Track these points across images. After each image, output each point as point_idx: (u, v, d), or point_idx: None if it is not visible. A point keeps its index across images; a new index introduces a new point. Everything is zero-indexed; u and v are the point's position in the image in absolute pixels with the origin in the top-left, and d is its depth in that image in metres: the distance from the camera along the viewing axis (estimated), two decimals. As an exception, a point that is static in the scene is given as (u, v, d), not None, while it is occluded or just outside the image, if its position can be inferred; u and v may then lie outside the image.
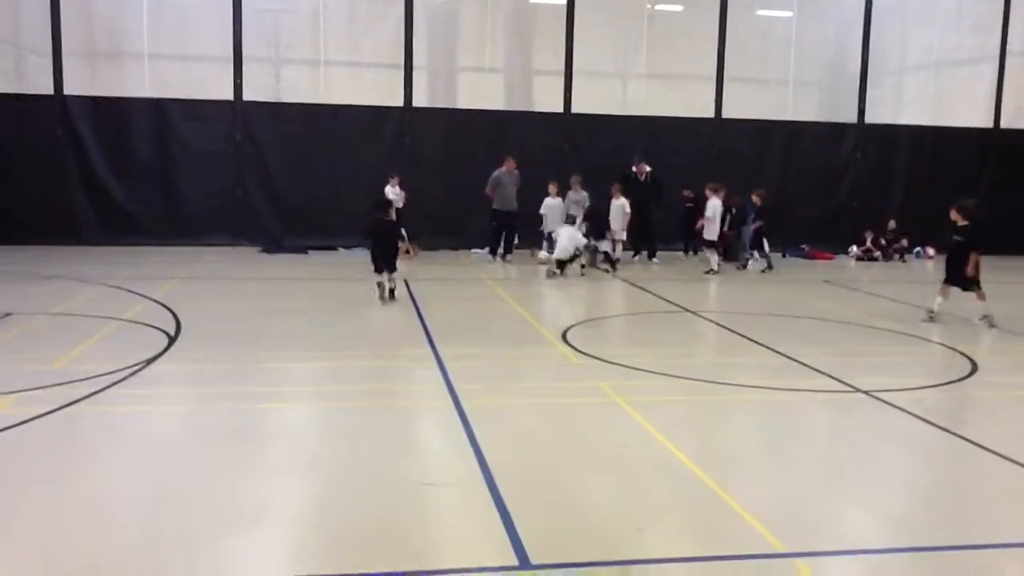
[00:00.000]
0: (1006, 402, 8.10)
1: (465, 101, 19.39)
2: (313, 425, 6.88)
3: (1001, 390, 8.46)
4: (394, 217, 12.90)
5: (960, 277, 11.17)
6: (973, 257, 11.01)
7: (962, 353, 9.70)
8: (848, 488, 5.81)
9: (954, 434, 6.83)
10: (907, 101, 21.35)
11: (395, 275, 11.93)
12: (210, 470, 5.73)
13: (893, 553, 4.85)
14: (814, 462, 6.32)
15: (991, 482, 6.04)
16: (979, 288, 11.23)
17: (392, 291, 11.82)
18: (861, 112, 20.36)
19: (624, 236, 16.79)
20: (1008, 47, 20.70)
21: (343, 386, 7.86)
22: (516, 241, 17.63)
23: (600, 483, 5.68)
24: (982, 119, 20.92)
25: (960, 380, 8.62)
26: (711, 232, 16.12)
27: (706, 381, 8.25)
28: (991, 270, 12.44)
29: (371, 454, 6.08)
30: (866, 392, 7.93)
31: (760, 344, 10.00)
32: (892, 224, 19.41)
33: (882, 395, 7.82)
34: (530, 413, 7.15)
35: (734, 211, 18.21)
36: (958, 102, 21.25)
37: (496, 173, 17.06)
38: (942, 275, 11.73)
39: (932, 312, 11.35)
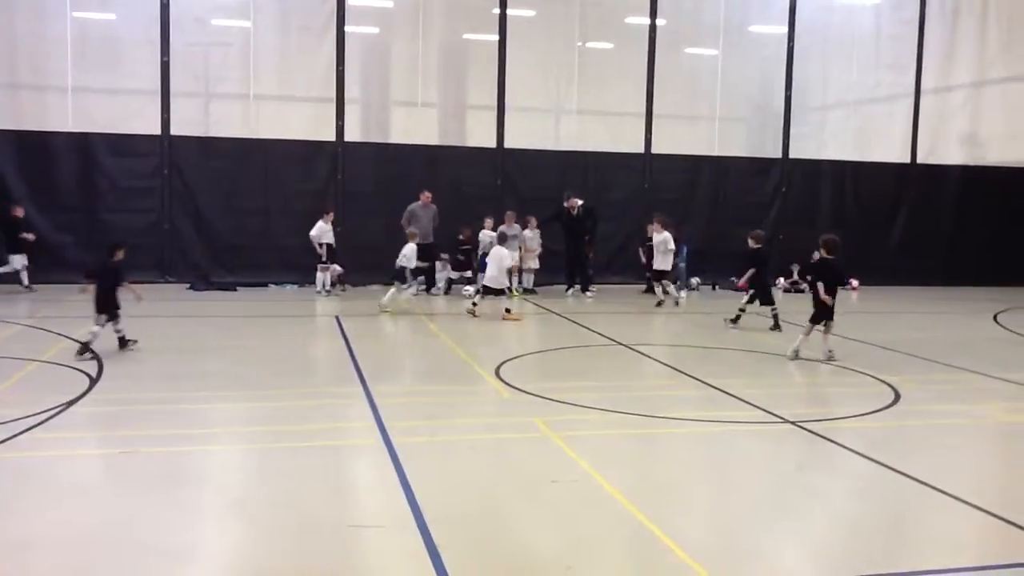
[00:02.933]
0: (928, 430, 8.30)
1: (398, 135, 19.36)
2: (238, 467, 6.71)
3: (924, 418, 8.67)
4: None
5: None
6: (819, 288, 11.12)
7: (885, 382, 9.94)
8: (777, 519, 5.88)
9: (879, 463, 6.97)
10: (829, 137, 21.97)
11: (119, 323, 10.68)
12: (131, 515, 5.54)
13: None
14: (744, 494, 6.38)
15: (916, 510, 6.17)
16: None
17: (123, 340, 10.65)
18: (786, 147, 20.91)
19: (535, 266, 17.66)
20: (922, 85, 21.52)
21: (270, 426, 7.70)
22: (449, 276, 17.64)
23: (532, 521, 5.64)
24: (899, 154, 21.65)
25: (884, 409, 8.82)
26: (663, 263, 16.22)
27: (638, 415, 8.30)
28: (917, 300, 12.80)
29: (296, 496, 5.95)
30: (793, 423, 8.06)
31: (691, 376, 10.11)
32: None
33: (809, 425, 7.96)
34: (462, 451, 7.09)
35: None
36: (877, 138, 21.96)
37: (411, 206, 17.11)
38: (869, 305, 12.06)
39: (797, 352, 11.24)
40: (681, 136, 20.61)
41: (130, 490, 6.03)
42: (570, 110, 20.17)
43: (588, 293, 17.64)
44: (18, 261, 16.18)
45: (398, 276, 14.79)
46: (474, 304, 14.49)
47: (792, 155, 20.94)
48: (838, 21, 21.35)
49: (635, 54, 20.00)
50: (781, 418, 8.21)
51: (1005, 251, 21.41)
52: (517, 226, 17.58)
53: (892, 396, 9.33)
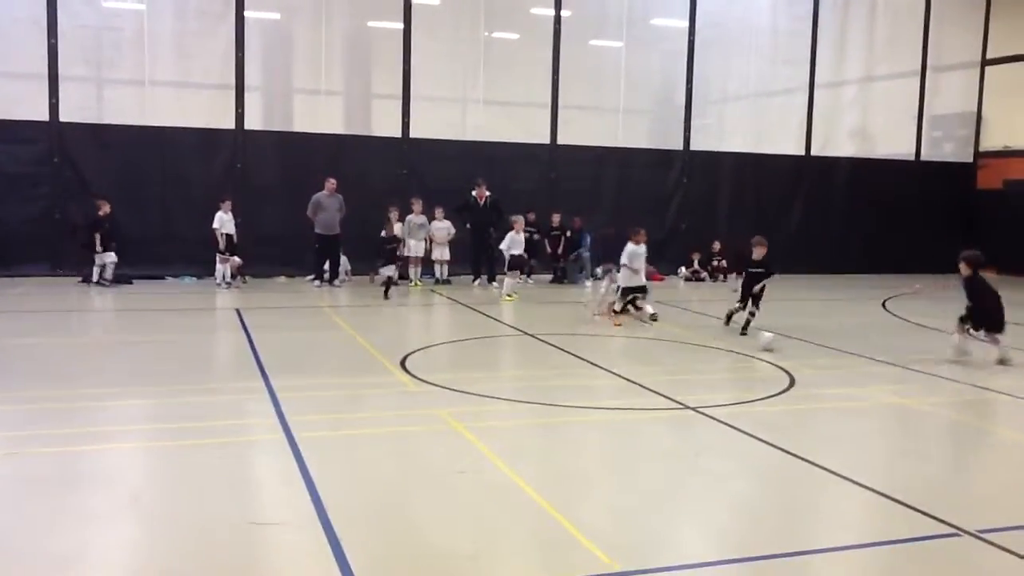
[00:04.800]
0: (821, 413, 8.62)
1: (301, 124, 19.03)
2: (133, 466, 6.49)
3: (817, 402, 9.00)
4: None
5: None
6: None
7: (781, 368, 10.27)
8: (678, 503, 6.02)
9: (775, 446, 7.20)
10: (729, 129, 22.57)
11: None
12: (20, 518, 5.31)
13: (723, 565, 5.03)
14: (646, 480, 6.50)
15: (809, 491, 6.40)
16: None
17: None
18: (687, 139, 21.36)
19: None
20: (816, 79, 22.29)
21: (168, 424, 7.48)
22: (348, 266, 17.50)
23: (438, 513, 5.63)
24: (795, 147, 22.39)
25: (780, 393, 9.12)
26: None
27: (544, 404, 8.37)
28: (811, 288, 13.26)
29: (195, 494, 5.79)
30: (694, 408, 8.26)
31: (596, 365, 10.25)
32: (717, 246, 20.43)
33: (709, 411, 8.17)
34: (367, 444, 7.03)
35: (568, 234, 18.76)
36: (774, 130, 22.65)
37: (316, 196, 16.89)
38: (766, 293, 12.51)
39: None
40: (586, 127, 20.83)
41: (17, 493, 5.77)
42: (476, 100, 20.16)
43: (494, 284, 17.70)
44: None
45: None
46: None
47: (693, 147, 21.41)
48: (737, 16, 21.87)
49: (541, 45, 20.11)
50: (683, 404, 8.40)
51: (892, 241, 22.38)
52: (423, 216, 17.53)
53: (788, 381, 9.65)
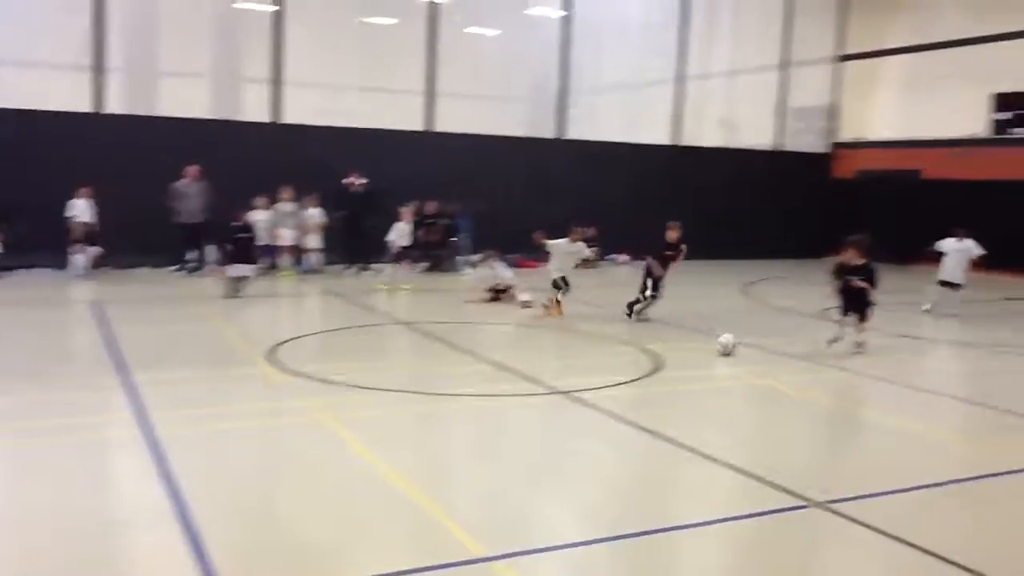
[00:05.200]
0: (687, 394, 8.92)
1: (166, 108, 18.26)
2: (-22, 469, 6.12)
3: (683, 383, 9.30)
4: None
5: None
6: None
7: (649, 350, 10.55)
8: (547, 486, 6.11)
9: (641, 427, 7.40)
10: (602, 118, 22.94)
11: None
12: None
13: (591, 545, 5.15)
14: (516, 464, 6.57)
15: (675, 469, 6.62)
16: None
17: None
18: (562, 128, 21.62)
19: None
20: (686, 71, 22.93)
21: (22, 422, 7.08)
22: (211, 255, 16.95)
23: (305, 505, 5.54)
24: (665, 136, 22.99)
25: (647, 376, 9.37)
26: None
27: (415, 392, 8.34)
28: (680, 274, 13.63)
29: (50, 493, 5.51)
30: (564, 393, 8.39)
31: (469, 352, 10.28)
32: (590, 232, 20.75)
33: (578, 394, 8.32)
34: (231, 438, 6.84)
35: (451, 221, 18.71)
36: (646, 120, 23.19)
37: (177, 184, 16.32)
38: (636, 279, 12.83)
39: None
40: (463, 115, 20.77)
41: None
42: (351, 86, 19.79)
43: (369, 272, 17.49)
44: None
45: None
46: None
47: (568, 136, 21.68)
48: (611, 6, 22.22)
49: (417, 31, 19.94)
50: (554, 389, 8.52)
51: (756, 227, 23.28)
52: (294, 204, 17.12)
53: (655, 363, 9.92)
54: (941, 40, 23.06)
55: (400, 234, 15.99)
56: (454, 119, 20.39)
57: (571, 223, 13.75)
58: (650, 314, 12.90)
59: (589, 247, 20.88)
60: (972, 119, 22.49)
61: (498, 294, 14.10)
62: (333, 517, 5.37)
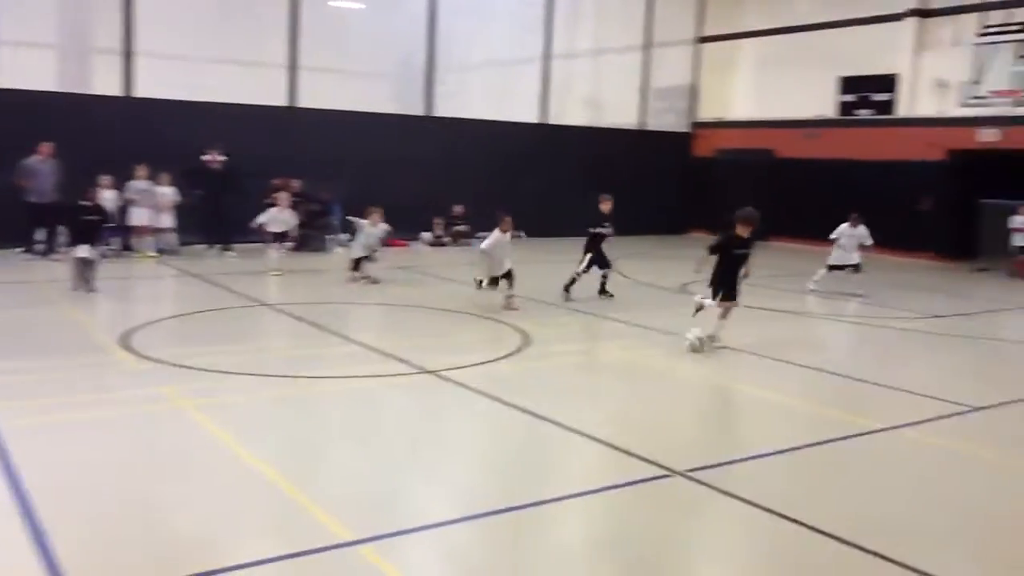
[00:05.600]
0: (554, 370, 9.03)
1: (5, 80, 17.05)
2: None
3: (550, 359, 9.42)
4: None
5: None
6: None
7: (518, 328, 10.63)
8: (416, 467, 6.06)
9: (509, 404, 7.44)
10: (471, 96, 22.87)
11: None
12: None
13: (459, 523, 5.14)
14: (383, 446, 6.49)
15: (541, 444, 6.69)
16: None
17: None
18: (430, 105, 21.44)
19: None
20: (552, 50, 23.12)
21: None
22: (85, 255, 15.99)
23: (165, 498, 5.30)
24: (533, 114, 23.15)
25: (516, 352, 9.44)
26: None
27: (279, 376, 8.13)
28: (548, 251, 13.79)
29: None
30: (433, 372, 8.35)
31: (336, 334, 10.09)
32: (459, 210, 20.77)
33: (447, 373, 8.29)
34: (82, 429, 6.47)
35: (321, 205, 18.28)
36: (515, 98, 23.27)
37: (27, 161, 15.35)
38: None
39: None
40: (328, 90, 20.28)
41: None
42: (209, 58, 18.99)
43: (230, 252, 16.92)
44: None
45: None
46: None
47: (436, 113, 21.52)
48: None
49: (278, 3, 19.29)
50: (422, 369, 8.47)
51: (621, 205, 23.74)
52: (148, 182, 16.34)
53: (525, 340, 10.00)
54: (792, 25, 24.10)
55: (273, 219, 14.97)
56: (319, 95, 19.88)
57: (500, 212, 12.60)
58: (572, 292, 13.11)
59: (457, 225, 20.96)
60: (821, 101, 23.63)
61: (359, 262, 13.80)
62: (194, 508, 5.17)
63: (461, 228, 20.84)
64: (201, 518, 5.05)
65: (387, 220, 14.44)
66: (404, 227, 19.89)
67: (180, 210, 16.69)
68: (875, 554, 4.84)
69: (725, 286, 9.93)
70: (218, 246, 17.11)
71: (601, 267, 13.31)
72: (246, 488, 5.49)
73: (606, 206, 13.64)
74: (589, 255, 13.20)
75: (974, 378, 9.67)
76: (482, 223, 21.02)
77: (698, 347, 9.76)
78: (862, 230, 14.50)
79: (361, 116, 20.31)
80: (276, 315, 11.34)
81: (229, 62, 18.97)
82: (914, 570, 4.67)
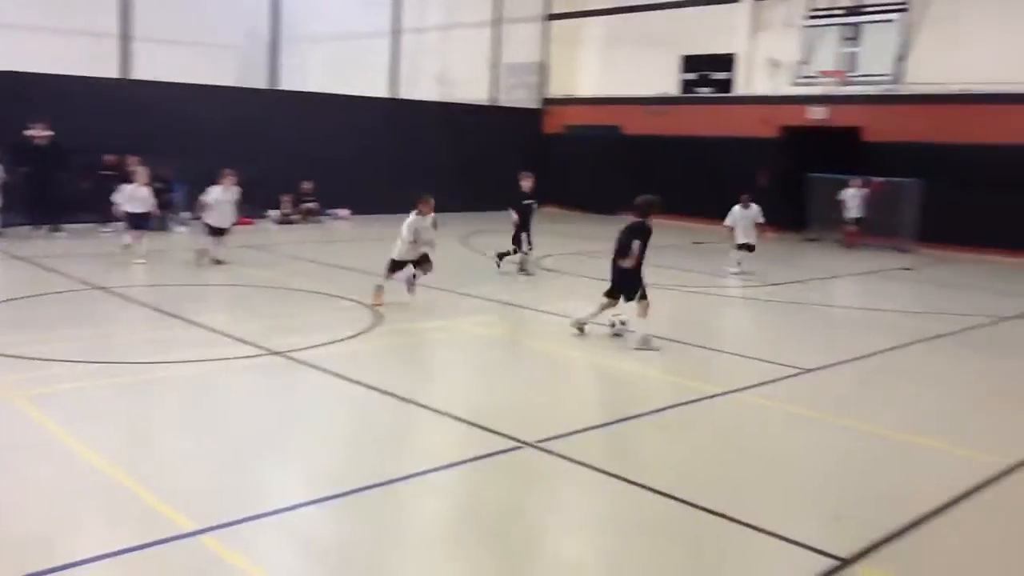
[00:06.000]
0: (405, 347, 9.00)
1: None
2: None
3: (402, 336, 9.37)
4: None
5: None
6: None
7: (369, 306, 10.51)
8: (263, 451, 5.91)
9: (360, 382, 7.36)
10: (319, 69, 22.32)
11: None
12: None
13: (308, 506, 5.05)
14: (228, 431, 6.30)
15: (393, 422, 6.66)
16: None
17: None
18: (275, 78, 20.78)
19: None
20: (402, 23, 22.82)
21: None
22: None
23: (-16, 496, 4.97)
24: (383, 89, 22.83)
25: (368, 331, 9.34)
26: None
27: (117, 363, 7.74)
28: (397, 227, 13.59)
29: None
30: (281, 353, 8.16)
31: (179, 317, 9.69)
32: (307, 187, 20.32)
33: (296, 354, 8.12)
34: None
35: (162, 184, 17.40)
36: (364, 72, 22.86)
37: None
38: (358, 234, 12.62)
39: None
40: (166, 62, 19.31)
41: None
42: (32, 25, 17.69)
43: (60, 233, 15.94)
44: None
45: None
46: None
47: (282, 86, 20.89)
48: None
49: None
50: (269, 350, 8.25)
51: (473, 181, 23.86)
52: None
53: (375, 319, 9.90)
54: (636, 4, 24.72)
55: (130, 198, 13.59)
56: (157, 67, 18.91)
57: (419, 192, 11.32)
58: (529, 267, 13.50)
59: (306, 202, 20.49)
60: (665, 79, 24.39)
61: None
62: (27, 504, 4.88)
63: (310, 205, 20.39)
64: (35, 515, 4.77)
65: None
66: (251, 205, 19.28)
67: (3, 189, 15.55)
68: (712, 511, 5.08)
69: (639, 283, 9.11)
70: (45, 227, 16.07)
71: (525, 243, 13.65)
72: (82, 482, 5.21)
73: (527, 183, 13.95)
74: (524, 233, 13.58)
75: (805, 342, 10.28)
76: (332, 199, 20.68)
77: (620, 332, 9.45)
78: (754, 209, 14.74)
79: (203, 89, 19.48)
80: (114, 299, 10.78)
81: (55, 31, 17.76)
82: (747, 525, 4.93)
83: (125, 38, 18.53)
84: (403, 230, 10.84)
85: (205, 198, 13.24)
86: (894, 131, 19.80)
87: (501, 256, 13.75)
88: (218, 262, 13.11)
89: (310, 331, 9.25)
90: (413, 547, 4.66)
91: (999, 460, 6.09)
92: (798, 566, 4.52)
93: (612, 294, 9.26)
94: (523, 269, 13.64)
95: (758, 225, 14.84)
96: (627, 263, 8.96)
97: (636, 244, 8.94)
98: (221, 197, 13.26)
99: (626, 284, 9.10)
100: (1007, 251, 18.29)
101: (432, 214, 11.09)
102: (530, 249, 13.62)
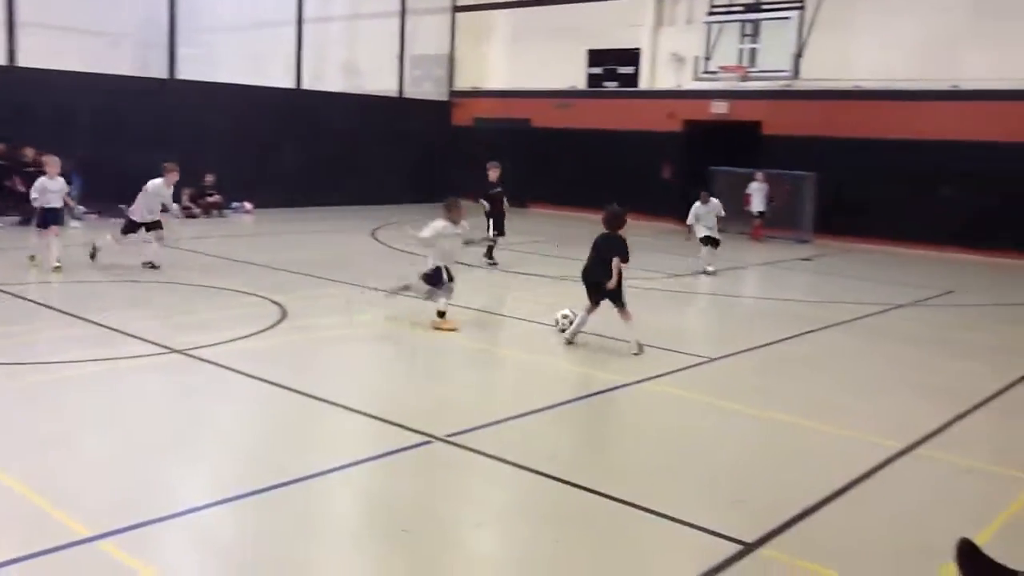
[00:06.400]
0: (311, 343, 8.83)
1: None
2: None
3: (307, 332, 9.20)
4: None
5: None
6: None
7: (273, 301, 10.29)
8: (165, 452, 5.72)
9: (264, 380, 7.20)
10: (221, 59, 21.72)
11: None
12: None
13: (212, 507, 4.90)
14: (127, 433, 6.07)
15: (301, 419, 6.53)
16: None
17: None
18: (173, 68, 20.12)
19: None
20: (306, 13, 22.36)
21: None
22: None
23: None
24: (287, 80, 22.35)
25: (272, 327, 9.14)
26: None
27: (8, 364, 7.38)
28: (307, 221, 13.40)
29: None
30: (181, 351, 7.91)
31: (72, 315, 9.30)
32: (209, 180, 19.77)
33: (197, 352, 7.89)
34: None
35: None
36: (266, 63, 22.35)
37: None
38: (263, 228, 12.33)
39: None
40: (56, 50, 18.50)
41: None
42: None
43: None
44: None
45: None
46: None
47: (181, 76, 20.25)
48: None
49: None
50: (170, 348, 8.00)
51: (381, 173, 23.65)
52: None
53: (280, 314, 9.70)
54: (542, -3, 24.83)
55: (43, 191, 12.05)
56: (43, 54, 18.08)
57: (450, 196, 9.94)
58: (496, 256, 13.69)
59: (208, 195, 19.95)
60: (573, 73, 24.59)
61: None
62: None
63: (213, 199, 19.85)
64: (-92, 528, 4.50)
65: (129, 191, 13.38)
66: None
67: None
68: (618, 499, 5.15)
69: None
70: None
71: (496, 233, 13.93)
72: (-35, 490, 4.95)
73: (494, 173, 14.20)
74: (491, 219, 13.96)
75: (710, 332, 10.52)
76: (235, 193, 20.18)
77: (564, 327, 9.27)
78: (714, 203, 14.69)
79: (97, 78, 18.72)
80: (6, 298, 10.26)
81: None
82: (653, 512, 5.02)
83: (10, 24, 17.65)
84: (425, 233, 9.51)
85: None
86: (792, 125, 20.44)
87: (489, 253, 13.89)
88: (152, 266, 12.30)
89: (213, 328, 9.00)
90: (321, 545, 4.58)
91: (894, 444, 6.34)
92: (704, 550, 4.61)
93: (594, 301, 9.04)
94: (490, 255, 13.92)
95: (719, 218, 14.85)
96: (611, 283, 8.75)
97: (616, 262, 8.75)
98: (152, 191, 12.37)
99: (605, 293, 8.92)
100: (899, 241, 19.10)
101: (464, 223, 9.76)
102: (497, 236, 13.83)
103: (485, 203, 13.99)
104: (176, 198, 19.14)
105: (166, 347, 8.03)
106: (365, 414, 6.51)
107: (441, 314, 9.44)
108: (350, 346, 8.93)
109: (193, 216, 19.17)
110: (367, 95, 24.21)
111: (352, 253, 14.94)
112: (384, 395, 7.22)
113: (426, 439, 6.01)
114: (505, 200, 14.27)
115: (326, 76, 23.37)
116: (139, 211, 12.44)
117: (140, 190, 12.55)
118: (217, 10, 21.37)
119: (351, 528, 4.89)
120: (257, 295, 10.71)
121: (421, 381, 7.86)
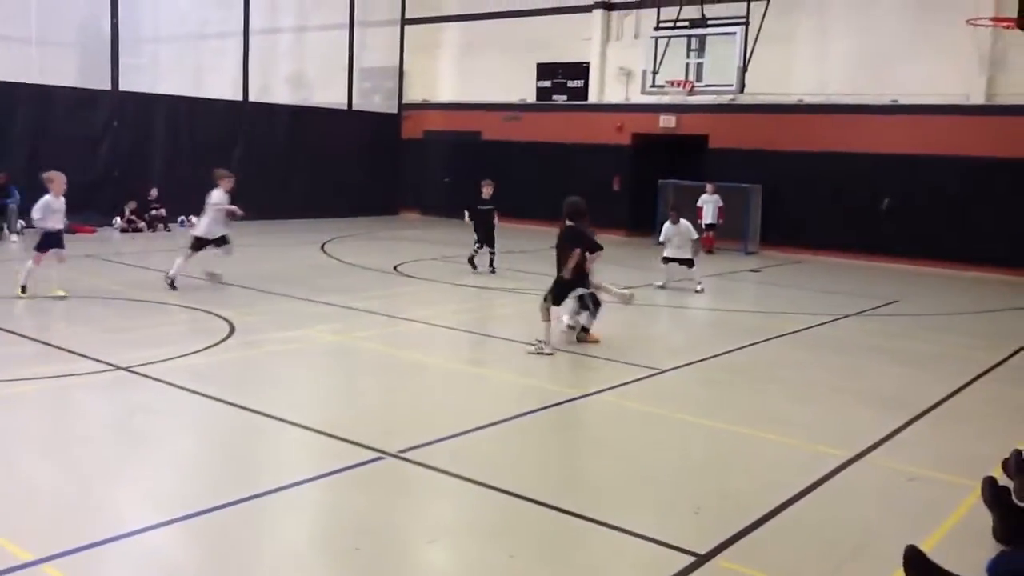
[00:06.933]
0: (260, 359, 8.71)
1: None
2: None
3: (256, 347, 9.06)
4: None
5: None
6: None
7: (219, 316, 10.12)
8: (110, 473, 5.59)
9: (213, 397, 7.07)
10: (164, 70, 21.39)
11: None
12: None
13: (162, 528, 4.77)
14: (71, 453, 5.91)
15: (250, 437, 6.42)
16: None
17: None
18: (115, 79, 19.74)
19: None
20: (251, 25, 22.11)
21: None
22: None
23: None
24: (233, 91, 22.06)
25: (219, 343, 8.98)
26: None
27: (-60, 383, 7.14)
28: (251, 235, 13.21)
29: None
30: (126, 368, 7.73)
31: (11, 332, 9.04)
32: (154, 193, 19.43)
33: (143, 369, 7.72)
34: None
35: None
36: (211, 74, 22.06)
37: None
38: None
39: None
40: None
41: None
42: None
43: None
44: None
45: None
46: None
47: (124, 87, 19.87)
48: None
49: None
50: (113, 365, 7.81)
51: (329, 186, 23.46)
52: None
53: (227, 329, 9.54)
54: (492, 11, 24.91)
55: (48, 210, 11.10)
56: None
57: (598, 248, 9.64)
58: (477, 262, 14.46)
59: (152, 209, 19.59)
60: (523, 86, 24.69)
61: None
62: None
63: (157, 212, 19.49)
64: None
65: (70, 203, 13.04)
66: (92, 212, 18.27)
67: None
68: (571, 513, 5.14)
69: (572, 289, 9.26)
70: None
71: (487, 245, 14.60)
72: None
73: (487, 190, 14.76)
74: (479, 233, 14.56)
75: (660, 343, 10.59)
76: (180, 207, 19.82)
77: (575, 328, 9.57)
78: (684, 224, 14.37)
79: (35, 89, 18.31)
80: (-65, 314, 9.95)
81: None
82: (605, 524, 5.01)
83: (-54, 33, 17.20)
84: (617, 289, 10.05)
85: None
86: (737, 138, 20.77)
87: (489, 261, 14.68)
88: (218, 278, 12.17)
89: (159, 343, 8.81)
90: (272, 565, 4.50)
91: (842, 452, 6.43)
92: (658, 563, 4.62)
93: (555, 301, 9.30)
94: (472, 261, 14.68)
95: (692, 240, 14.46)
96: (565, 273, 9.02)
97: (577, 253, 8.96)
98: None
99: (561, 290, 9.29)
100: (842, 252, 19.48)
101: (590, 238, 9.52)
102: (479, 247, 14.56)
103: (467, 215, 14.77)
104: (119, 212, 18.89)
105: (111, 364, 7.84)
106: (315, 431, 6.42)
107: (586, 330, 9.72)
108: (299, 361, 8.81)
109: (138, 230, 18.81)
110: (315, 107, 24.01)
111: (302, 267, 14.77)
112: (334, 411, 7.13)
113: (378, 455, 5.94)
114: (495, 215, 14.82)
115: (274, 88, 23.16)
116: (207, 226, 12.20)
117: (82, 202, 12.30)
118: (161, 20, 21.04)
119: (302, 547, 4.80)
120: (204, 310, 10.53)
121: (372, 396, 7.78)
